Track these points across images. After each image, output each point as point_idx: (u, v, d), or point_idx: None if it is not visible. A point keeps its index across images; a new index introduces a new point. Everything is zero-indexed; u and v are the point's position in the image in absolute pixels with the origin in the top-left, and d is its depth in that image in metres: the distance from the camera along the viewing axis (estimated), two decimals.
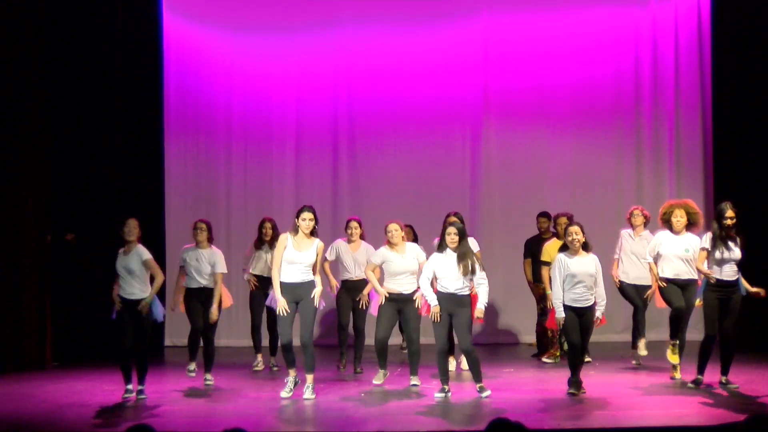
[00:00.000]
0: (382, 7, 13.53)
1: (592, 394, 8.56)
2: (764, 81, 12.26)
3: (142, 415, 8.30)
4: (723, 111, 12.74)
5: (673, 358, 9.42)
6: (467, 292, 8.71)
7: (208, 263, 9.62)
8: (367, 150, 13.54)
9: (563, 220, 10.57)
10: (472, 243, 9.88)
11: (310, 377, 8.82)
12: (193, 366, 9.77)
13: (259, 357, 10.68)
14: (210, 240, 9.77)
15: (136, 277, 8.87)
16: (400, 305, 9.34)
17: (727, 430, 6.94)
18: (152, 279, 9.02)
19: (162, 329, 12.38)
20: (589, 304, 8.66)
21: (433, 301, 8.73)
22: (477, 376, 8.77)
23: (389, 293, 9.32)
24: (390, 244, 9.38)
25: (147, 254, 8.96)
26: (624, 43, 13.52)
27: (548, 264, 10.62)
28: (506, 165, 13.47)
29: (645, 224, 10.46)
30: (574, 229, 8.70)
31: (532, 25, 13.52)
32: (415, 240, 11.09)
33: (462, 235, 8.72)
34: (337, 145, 13.54)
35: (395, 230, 9.38)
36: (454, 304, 8.68)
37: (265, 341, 10.73)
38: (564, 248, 8.79)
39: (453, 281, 8.67)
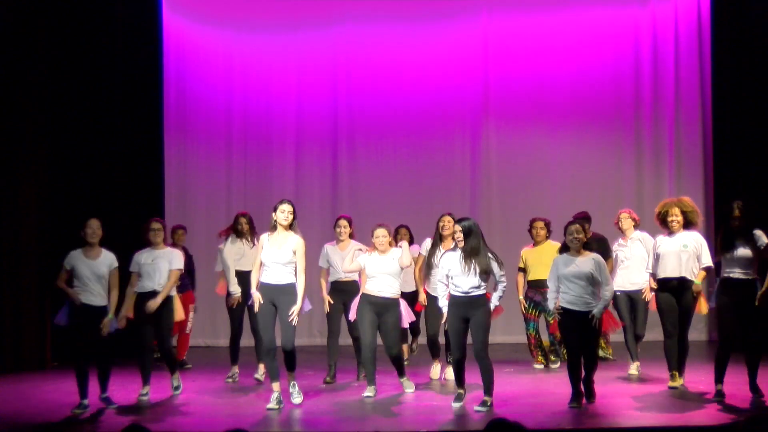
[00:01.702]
0: (383, 7, 13.57)
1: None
2: (764, 81, 12.26)
3: (141, 415, 8.30)
4: (723, 111, 12.74)
5: (673, 383, 9.14)
6: (482, 292, 8.29)
7: (168, 261, 9.02)
8: (367, 149, 13.56)
9: (540, 224, 10.48)
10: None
11: (291, 375, 8.53)
12: (146, 390, 8.95)
13: (235, 369, 10.11)
14: (165, 241, 9.24)
15: (100, 283, 8.43)
16: (379, 309, 8.99)
17: (727, 430, 6.92)
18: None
19: None
20: (588, 308, 8.30)
21: (444, 307, 8.40)
22: (487, 387, 8.27)
23: (367, 293, 9.04)
24: (374, 247, 9.07)
25: (116, 263, 8.56)
26: (624, 42, 13.55)
27: (522, 270, 10.57)
28: (506, 164, 13.50)
29: (635, 227, 10.11)
30: (575, 227, 8.39)
31: (532, 25, 13.55)
32: (411, 241, 11.05)
33: (468, 233, 8.27)
34: (337, 145, 13.57)
35: (383, 236, 9.07)
36: (469, 307, 8.25)
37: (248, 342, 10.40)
38: (564, 249, 8.49)
39: (463, 280, 8.24)
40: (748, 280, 8.49)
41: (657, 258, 9.13)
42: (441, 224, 9.75)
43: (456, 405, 8.31)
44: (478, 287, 8.27)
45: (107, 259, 8.54)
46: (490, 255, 8.32)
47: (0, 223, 11.14)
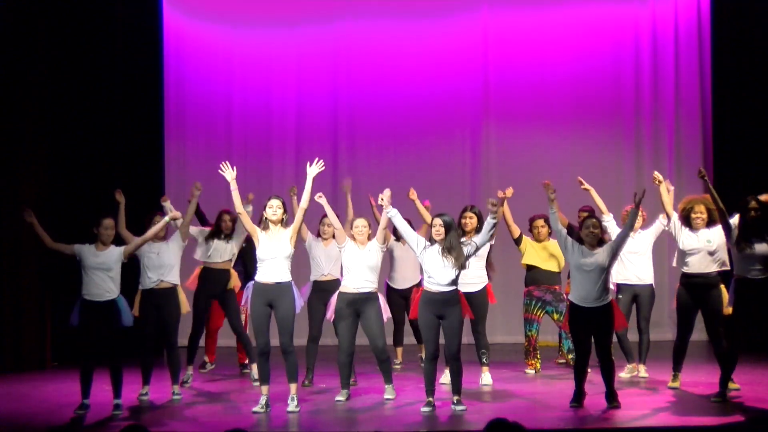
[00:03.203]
0: (382, 3, 13.60)
1: (592, 394, 8.44)
2: (764, 81, 12.26)
3: (141, 415, 8.30)
4: (723, 111, 12.74)
5: (673, 384, 9.11)
6: (455, 288, 8.14)
7: (172, 253, 9.03)
8: (367, 147, 13.60)
9: (540, 222, 10.28)
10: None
11: (293, 387, 8.26)
12: (146, 390, 8.96)
13: (190, 371, 9.88)
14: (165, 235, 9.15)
15: (111, 276, 8.34)
16: (358, 306, 8.69)
17: (727, 430, 6.92)
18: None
19: None
20: (601, 305, 8.10)
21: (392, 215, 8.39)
22: (456, 388, 8.22)
23: (345, 292, 8.72)
24: (354, 239, 8.79)
25: (121, 249, 8.44)
26: (624, 40, 13.56)
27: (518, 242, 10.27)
28: (506, 161, 13.52)
29: (641, 225, 9.83)
30: (593, 222, 8.24)
31: (532, 22, 13.57)
32: None
33: (449, 228, 8.16)
34: (337, 143, 13.59)
35: (363, 226, 8.80)
36: (443, 305, 8.12)
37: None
38: (578, 242, 8.26)
39: (439, 276, 8.10)
40: (766, 279, 8.31)
41: (681, 255, 8.98)
42: (463, 220, 9.47)
43: (425, 410, 8.18)
44: (454, 282, 8.16)
45: (115, 253, 8.43)
46: (462, 245, 8.19)
47: (0, 223, 11.14)
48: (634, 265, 9.71)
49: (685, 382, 9.20)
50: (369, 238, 8.85)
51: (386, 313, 8.89)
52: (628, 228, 8.30)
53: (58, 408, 8.59)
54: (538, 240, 10.37)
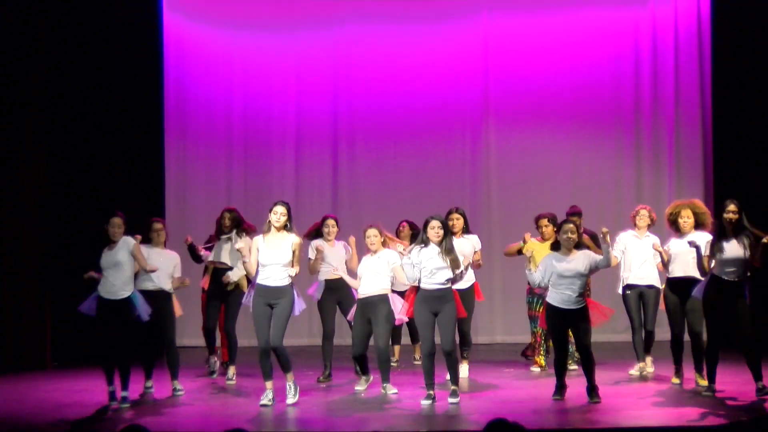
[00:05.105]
0: (383, 7, 13.58)
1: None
2: (764, 81, 12.26)
3: (142, 415, 8.30)
4: (723, 111, 12.74)
5: (676, 380, 9.28)
6: (449, 286, 8.39)
7: (171, 264, 9.16)
8: (367, 150, 13.57)
9: (544, 221, 10.29)
10: (474, 240, 9.86)
11: (289, 376, 8.49)
12: (150, 383, 9.20)
13: (214, 358, 10.21)
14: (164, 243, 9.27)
15: (121, 271, 8.49)
16: (368, 310, 8.99)
17: (727, 430, 6.92)
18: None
19: None
20: (577, 307, 8.32)
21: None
22: (453, 378, 8.52)
23: (360, 297, 9.05)
24: (368, 249, 9.08)
25: (133, 241, 8.61)
26: (624, 42, 13.55)
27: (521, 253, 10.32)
28: (506, 164, 13.50)
29: (649, 227, 9.88)
30: (570, 227, 8.40)
31: (532, 25, 13.56)
32: (414, 236, 10.98)
33: (447, 230, 8.41)
34: (337, 145, 13.58)
35: (374, 236, 9.06)
36: (437, 301, 8.36)
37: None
38: (556, 247, 8.49)
39: (438, 275, 8.33)
40: (738, 281, 8.44)
41: (669, 258, 9.13)
42: (450, 222, 9.60)
43: (425, 403, 8.37)
44: (449, 280, 8.39)
45: (124, 245, 8.58)
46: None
47: (0, 223, 11.14)
48: (641, 269, 9.81)
49: (685, 381, 9.23)
50: (384, 245, 9.12)
51: (397, 315, 9.03)
52: (605, 263, 8.47)
53: (58, 408, 8.58)
54: (543, 239, 10.39)
